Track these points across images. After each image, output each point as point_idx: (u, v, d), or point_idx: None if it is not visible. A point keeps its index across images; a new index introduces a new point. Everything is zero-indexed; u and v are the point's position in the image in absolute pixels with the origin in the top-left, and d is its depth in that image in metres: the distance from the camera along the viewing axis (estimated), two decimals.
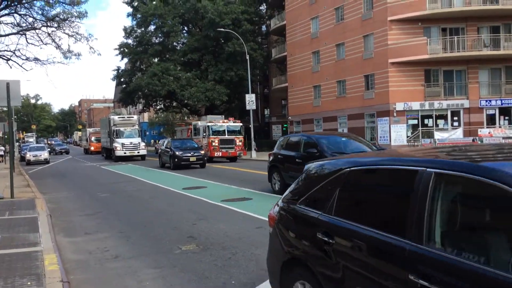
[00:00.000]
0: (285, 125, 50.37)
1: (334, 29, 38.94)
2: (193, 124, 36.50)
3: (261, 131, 55.12)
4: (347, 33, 37.41)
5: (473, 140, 28.38)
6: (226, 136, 32.05)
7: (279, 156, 14.27)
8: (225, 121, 34.17)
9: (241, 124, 34.09)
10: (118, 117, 41.40)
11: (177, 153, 25.99)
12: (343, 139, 13.44)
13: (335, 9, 38.82)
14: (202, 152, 27.21)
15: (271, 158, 14.78)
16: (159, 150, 30.99)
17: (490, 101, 32.65)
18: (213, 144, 31.41)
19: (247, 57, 39.23)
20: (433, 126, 32.85)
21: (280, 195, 11.85)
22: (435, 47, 32.61)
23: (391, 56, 33.26)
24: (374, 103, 34.78)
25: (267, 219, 9.65)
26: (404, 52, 32.93)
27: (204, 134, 32.27)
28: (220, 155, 31.56)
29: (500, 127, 31.03)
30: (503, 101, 32.49)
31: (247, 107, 37.63)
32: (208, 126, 32.23)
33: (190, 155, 25.99)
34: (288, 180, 12.98)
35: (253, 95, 38.35)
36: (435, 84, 33.39)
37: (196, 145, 28.54)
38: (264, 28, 57.07)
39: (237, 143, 32.20)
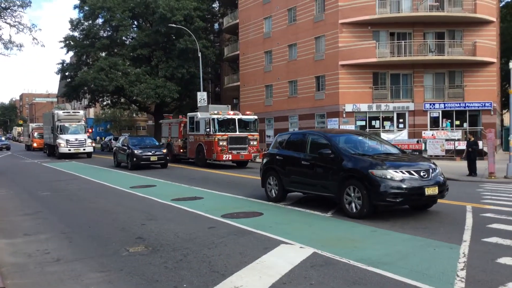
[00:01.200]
0: None
1: (287, 29, 39.17)
2: (188, 116, 27.11)
3: None
4: (299, 34, 37.73)
5: (417, 141, 29.36)
6: (238, 133, 24.12)
7: (277, 157, 11.98)
8: (236, 112, 26.40)
9: (256, 116, 25.79)
10: (63, 112, 39.53)
11: (136, 151, 23.74)
12: (360, 138, 11.66)
13: (288, 10, 39.06)
14: (164, 151, 24.96)
15: (266, 159, 12.53)
16: (114, 148, 27.96)
17: (434, 104, 33.93)
18: (221, 143, 23.51)
19: (199, 55, 38.71)
20: (380, 128, 33.74)
21: (277, 203, 11.53)
22: (383, 51, 33.50)
23: (342, 58, 33.86)
24: (324, 103, 35.29)
25: (219, 218, 9.50)
26: (354, 54, 33.61)
27: (207, 129, 23.83)
28: (230, 158, 23.80)
29: (442, 129, 32.30)
30: (446, 105, 33.85)
31: (199, 105, 36.98)
32: (214, 119, 23.74)
33: (150, 154, 23.83)
34: (289, 185, 11.44)
35: (205, 93, 37.81)
36: (382, 87, 34.31)
37: (157, 143, 26.87)
38: (216, 26, 56.59)
39: (252, 143, 24.61)
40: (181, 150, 28.10)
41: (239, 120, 24.37)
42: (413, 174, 9.08)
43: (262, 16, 42.02)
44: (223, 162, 24.91)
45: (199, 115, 25.74)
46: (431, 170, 9.38)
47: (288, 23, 39.18)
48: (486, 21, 33.82)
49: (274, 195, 11.89)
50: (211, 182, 16.92)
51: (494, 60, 34.40)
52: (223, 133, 23.69)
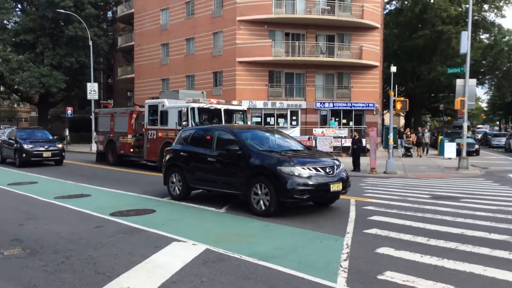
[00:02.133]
0: None
1: (185, 23, 38.64)
2: (147, 105, 20.12)
3: None
4: (197, 28, 37.43)
5: (308, 138, 30.71)
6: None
7: (181, 153, 11.42)
8: (218, 100, 20.17)
9: (245, 107, 21.18)
10: None
11: (25, 146, 20.86)
12: (267, 134, 11.37)
13: (186, 3, 38.55)
14: (60, 145, 21.98)
15: (169, 156, 11.84)
16: None
17: (324, 103, 35.79)
18: None
19: (90, 43, 36.66)
20: (274, 124, 34.77)
21: (181, 201, 11.02)
22: (278, 50, 34.54)
23: (239, 55, 34.27)
24: (222, 99, 35.36)
25: (108, 217, 9.01)
26: (251, 52, 34.20)
27: (184, 122, 17.58)
28: None
29: (329, 127, 34.20)
30: (334, 104, 35.91)
31: (89, 97, 35.09)
32: (193, 108, 17.73)
33: (43, 149, 21.15)
34: (193, 183, 10.97)
35: (96, 84, 35.93)
36: (277, 85, 35.40)
37: (50, 137, 23.46)
38: (110, 14, 54.01)
39: None
40: (132, 150, 21.33)
41: (226, 111, 18.79)
42: (319, 171, 9.20)
43: (159, 7, 40.97)
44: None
45: (167, 103, 19.07)
46: (335, 167, 9.60)
47: (186, 16, 38.67)
48: (372, 27, 36.43)
49: (177, 193, 11.32)
50: (102, 179, 16.08)
51: (378, 64, 37.24)
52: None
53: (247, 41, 34.37)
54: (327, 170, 9.34)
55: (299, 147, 10.89)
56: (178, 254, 6.41)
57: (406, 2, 52.86)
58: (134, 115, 21.63)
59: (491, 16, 52.25)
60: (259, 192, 9.27)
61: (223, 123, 17.71)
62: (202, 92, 22.50)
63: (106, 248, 6.75)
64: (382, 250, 6.57)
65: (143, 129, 20.26)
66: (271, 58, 33.88)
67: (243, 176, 9.62)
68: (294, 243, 7.09)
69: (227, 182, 10.13)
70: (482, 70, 56.49)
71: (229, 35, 34.89)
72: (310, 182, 8.96)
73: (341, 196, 10.35)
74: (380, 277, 5.38)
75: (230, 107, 19.17)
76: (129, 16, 45.60)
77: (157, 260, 6.14)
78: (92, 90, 34.84)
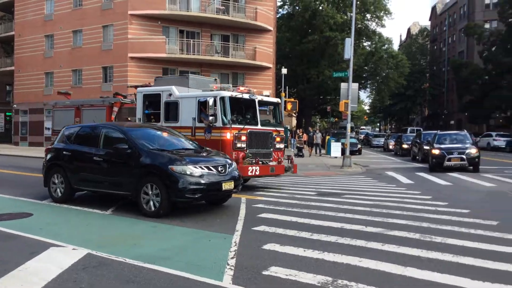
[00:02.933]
0: (8, 113, 44.50)
1: (72, 14, 36.42)
2: (143, 95, 15.10)
3: None
4: (85, 20, 35.48)
5: None
6: (260, 127, 13.73)
7: (64, 152, 10.65)
8: (247, 89, 14.63)
9: (279, 100, 16.47)
10: None
11: None
12: (159, 132, 10.95)
13: None
14: None
15: (50, 155, 11.01)
16: None
17: None
18: (238, 145, 12.98)
19: None
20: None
21: (63, 204, 10.18)
22: (173, 47, 34.05)
23: (131, 51, 33.16)
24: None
25: None
26: (144, 48, 33.28)
27: (211, 117, 12.78)
28: (257, 172, 13.26)
29: None
30: None
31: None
32: (223, 98, 12.97)
33: None
34: (78, 184, 10.29)
35: None
36: None
37: None
38: None
39: (277, 145, 14.35)
40: None
41: (260, 103, 14.06)
42: (211, 170, 9.15)
43: None
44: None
45: (177, 91, 14.06)
46: (227, 165, 9.61)
47: (73, 7, 36.50)
48: (265, 29, 37.47)
49: (59, 195, 10.55)
50: None
51: (271, 65, 38.41)
52: (240, 126, 13.08)
53: (139, 36, 33.42)
54: (220, 169, 9.36)
55: (191, 145, 10.77)
56: (56, 260, 5.97)
57: (297, 8, 55.14)
58: (116, 108, 17.01)
59: (372, 25, 56.62)
60: (150, 192, 9.00)
61: (258, 119, 13.69)
62: (215, 79, 17.41)
63: None
64: (269, 246, 6.74)
65: None
66: (165, 55, 33.28)
67: (133, 176, 9.27)
68: (183, 243, 7.00)
69: (115, 183, 9.70)
70: (364, 75, 60.86)
71: (120, 29, 33.59)
72: (202, 181, 8.91)
73: (233, 195, 10.45)
74: (265, 272, 5.50)
75: (265, 99, 14.67)
76: (9, 4, 41.83)
77: (31, 267, 5.66)
78: None
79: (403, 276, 5.44)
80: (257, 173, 13.18)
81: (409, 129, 53.96)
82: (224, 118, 12.78)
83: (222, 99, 12.90)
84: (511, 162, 26.60)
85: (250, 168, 12.88)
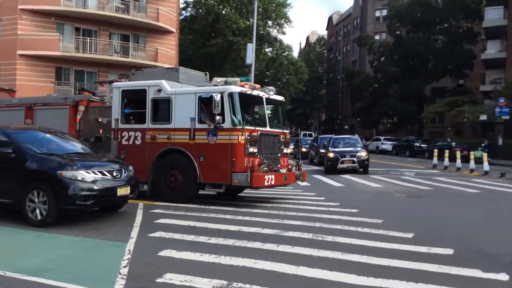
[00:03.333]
0: None
1: None
2: (121, 90, 12.54)
3: None
4: None
5: None
6: (269, 129, 12.02)
7: None
8: (251, 84, 12.74)
9: (283, 98, 13.87)
10: None
11: None
12: (48, 135, 10.17)
13: None
14: None
15: None
16: None
17: None
18: (251, 150, 11.02)
19: None
20: None
21: None
22: (67, 45, 32.18)
23: (21, 48, 30.75)
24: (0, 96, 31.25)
25: None
26: (36, 45, 31.03)
27: (218, 116, 10.75)
28: (273, 182, 11.35)
29: None
30: None
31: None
32: (233, 94, 11.00)
33: None
34: None
35: None
36: (66, 82, 32.90)
37: None
38: None
39: (284, 150, 12.67)
40: None
41: (267, 101, 12.34)
42: (105, 175, 8.77)
43: None
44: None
45: (168, 86, 11.88)
46: (123, 170, 9.27)
47: None
48: (168, 31, 36.85)
49: None
50: None
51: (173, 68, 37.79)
52: (252, 128, 11.26)
53: (30, 33, 31.05)
54: (115, 174, 9.00)
55: (85, 150, 10.22)
56: None
57: (200, 11, 55.06)
58: (82, 107, 13.71)
59: (274, 32, 58.25)
60: (36, 200, 8.37)
61: (267, 120, 12.06)
62: (206, 74, 14.51)
63: None
64: (165, 252, 6.59)
65: (111, 130, 12.69)
66: (59, 53, 31.28)
67: (17, 182, 8.60)
68: (71, 253, 6.59)
69: None
70: (266, 80, 62.45)
71: (9, 24, 30.97)
72: (95, 187, 8.50)
73: (130, 200, 10.09)
74: (159, 280, 5.37)
75: (272, 96, 12.57)
76: None
77: None
78: None
79: (295, 275, 5.63)
80: (272, 182, 11.32)
81: (301, 133, 56.42)
82: (234, 118, 10.90)
83: (231, 95, 10.98)
84: (396, 164, 28.96)
85: (266, 177, 11.02)
